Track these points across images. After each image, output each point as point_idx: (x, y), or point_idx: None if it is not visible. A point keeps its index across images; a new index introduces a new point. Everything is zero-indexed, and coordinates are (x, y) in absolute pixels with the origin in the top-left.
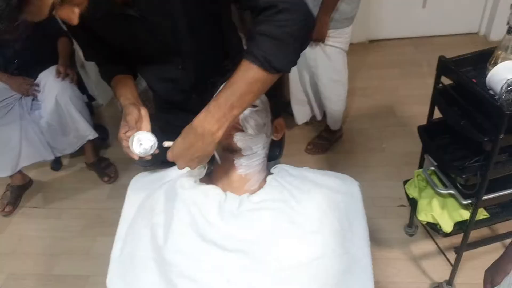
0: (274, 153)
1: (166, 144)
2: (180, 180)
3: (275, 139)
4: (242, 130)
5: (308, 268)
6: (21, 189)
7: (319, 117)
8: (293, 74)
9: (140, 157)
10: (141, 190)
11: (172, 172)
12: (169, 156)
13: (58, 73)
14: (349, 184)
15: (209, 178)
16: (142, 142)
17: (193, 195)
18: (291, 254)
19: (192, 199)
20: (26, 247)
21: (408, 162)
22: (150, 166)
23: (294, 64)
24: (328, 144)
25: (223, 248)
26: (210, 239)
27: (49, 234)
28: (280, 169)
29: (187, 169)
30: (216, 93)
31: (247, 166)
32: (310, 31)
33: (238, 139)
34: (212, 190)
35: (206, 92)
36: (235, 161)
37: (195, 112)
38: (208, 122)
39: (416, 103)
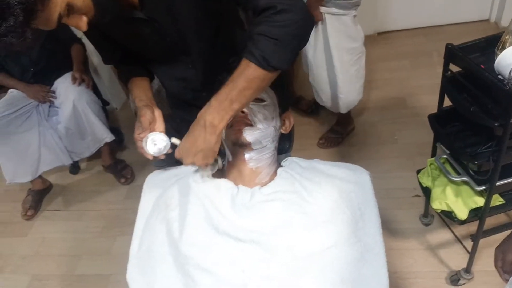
0: (284, 147)
1: (173, 140)
2: (193, 175)
3: (283, 132)
4: (251, 125)
5: (321, 257)
6: (41, 193)
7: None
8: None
9: (154, 157)
10: (156, 187)
11: (185, 169)
12: (176, 153)
13: (74, 79)
14: (359, 174)
15: (221, 173)
16: (156, 142)
17: (206, 189)
18: (304, 244)
19: (205, 193)
20: (49, 249)
21: (421, 152)
22: (164, 165)
23: (291, 62)
24: (340, 138)
25: (237, 240)
26: (224, 231)
27: (70, 236)
28: (291, 162)
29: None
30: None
31: (257, 159)
32: (309, 30)
33: (248, 134)
34: (224, 184)
35: (216, 89)
36: (245, 155)
37: None
38: (210, 114)
39: (428, 93)
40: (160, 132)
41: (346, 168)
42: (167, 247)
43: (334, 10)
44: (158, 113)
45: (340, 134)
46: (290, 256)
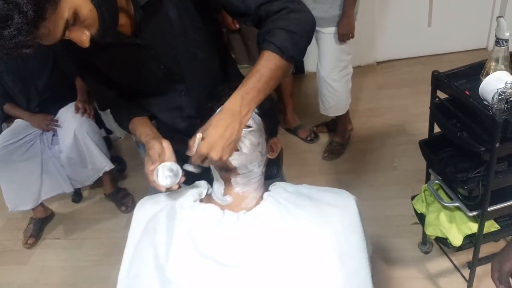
0: (272, 172)
1: (198, 136)
2: (180, 200)
3: (270, 157)
4: (237, 150)
5: (306, 282)
6: (43, 221)
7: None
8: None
9: (167, 189)
10: (146, 212)
11: (174, 194)
12: (203, 148)
13: (77, 109)
14: (345, 198)
15: (208, 198)
16: (166, 173)
17: (192, 213)
18: (288, 268)
19: (191, 218)
20: (48, 277)
21: (420, 179)
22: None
23: (303, 55)
24: (341, 147)
25: (222, 264)
26: (209, 256)
27: (70, 264)
28: (277, 186)
29: (187, 190)
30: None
31: (243, 184)
32: (314, 29)
33: (234, 158)
34: (210, 208)
35: (210, 116)
36: (231, 180)
37: None
38: (240, 104)
39: (427, 120)
40: (171, 162)
41: (331, 192)
42: (154, 271)
43: None
44: (166, 144)
45: (341, 145)
46: (275, 280)
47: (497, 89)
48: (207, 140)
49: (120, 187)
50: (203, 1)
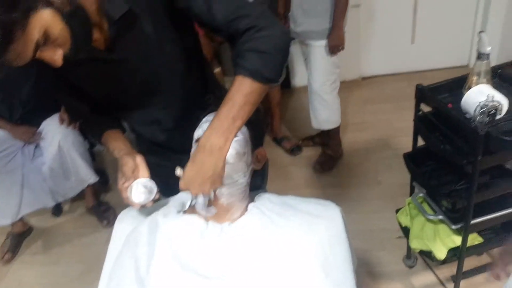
0: (257, 183)
1: (178, 172)
2: (163, 211)
3: (256, 168)
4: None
5: None
6: (21, 236)
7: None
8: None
9: (142, 206)
10: (126, 225)
11: (157, 205)
12: (181, 185)
13: (62, 120)
14: (330, 208)
15: (191, 209)
16: (140, 190)
17: (175, 225)
18: (273, 279)
19: (174, 230)
20: None
21: (405, 193)
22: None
23: (280, 75)
24: (333, 161)
25: (204, 277)
26: (192, 268)
27: (47, 280)
28: (262, 197)
29: (171, 201)
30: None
31: (228, 195)
32: (288, 43)
33: None
34: (193, 220)
35: (189, 128)
36: (216, 191)
37: (180, 150)
38: (214, 136)
39: (411, 134)
40: (145, 178)
41: (316, 203)
42: (134, 284)
43: None
44: (140, 160)
45: (332, 157)
46: None
47: (479, 102)
48: (184, 177)
49: (102, 201)
50: (179, 13)
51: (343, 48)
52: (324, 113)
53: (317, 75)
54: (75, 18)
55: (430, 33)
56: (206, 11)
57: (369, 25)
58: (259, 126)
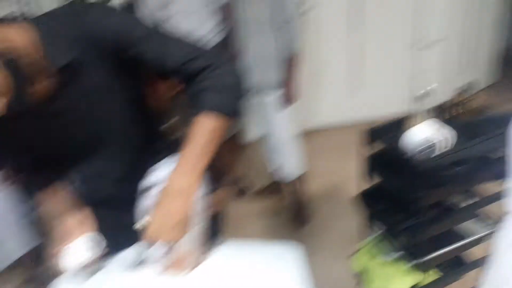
0: (215, 229)
1: (141, 224)
2: (115, 265)
3: (212, 213)
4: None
5: None
6: None
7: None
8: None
9: (83, 266)
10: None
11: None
12: (151, 233)
13: None
14: (292, 250)
15: (146, 260)
16: (86, 245)
17: (128, 279)
18: None
19: (127, 284)
20: None
21: (359, 237)
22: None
23: (239, 109)
24: (298, 205)
25: None
26: None
27: None
28: (221, 243)
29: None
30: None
31: (184, 242)
32: (241, 78)
33: None
34: (148, 272)
35: (136, 180)
36: None
37: (125, 208)
38: (180, 178)
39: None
40: (90, 233)
41: (277, 245)
42: None
43: None
44: (84, 215)
45: (298, 203)
46: None
47: (418, 140)
48: (153, 226)
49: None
50: (128, 62)
51: (299, 97)
52: (289, 163)
53: (278, 126)
54: (17, 67)
55: (370, 84)
56: (160, 56)
57: (312, 78)
58: (215, 169)
